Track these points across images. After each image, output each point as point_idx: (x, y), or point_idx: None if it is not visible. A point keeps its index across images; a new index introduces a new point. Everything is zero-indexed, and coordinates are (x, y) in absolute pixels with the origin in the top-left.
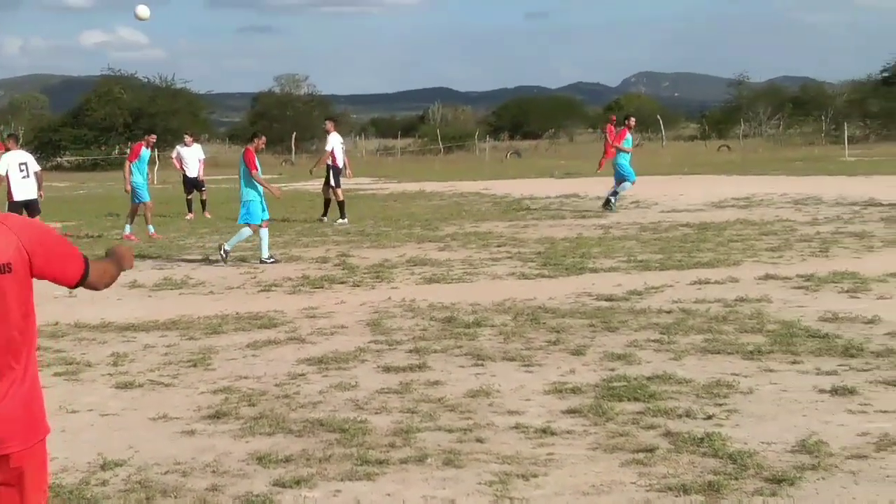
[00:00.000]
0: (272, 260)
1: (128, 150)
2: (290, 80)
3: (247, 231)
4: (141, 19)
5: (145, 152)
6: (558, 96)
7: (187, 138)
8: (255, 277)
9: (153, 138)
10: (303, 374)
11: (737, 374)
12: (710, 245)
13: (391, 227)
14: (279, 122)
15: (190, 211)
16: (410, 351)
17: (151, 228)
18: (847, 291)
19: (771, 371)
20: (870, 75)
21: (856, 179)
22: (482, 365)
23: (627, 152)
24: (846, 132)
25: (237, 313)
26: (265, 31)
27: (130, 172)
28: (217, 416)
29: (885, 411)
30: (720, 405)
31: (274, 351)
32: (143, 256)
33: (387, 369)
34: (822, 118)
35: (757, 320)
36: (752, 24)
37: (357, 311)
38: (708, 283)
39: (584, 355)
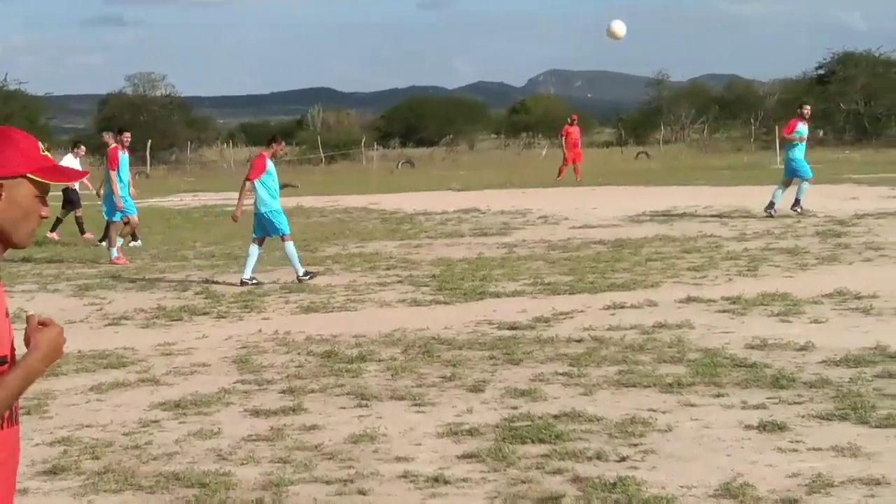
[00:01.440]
0: (255, 282)
1: None
2: (145, 79)
3: (291, 245)
4: (616, 38)
5: (123, 156)
6: (457, 98)
7: (81, 148)
8: (101, 309)
9: (128, 137)
10: (156, 421)
11: (654, 410)
12: (626, 265)
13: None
14: (131, 127)
15: (83, 231)
16: (283, 391)
17: (115, 252)
18: (777, 315)
19: (692, 406)
20: (804, 73)
21: (789, 190)
22: (366, 405)
23: (800, 141)
24: (778, 137)
25: (79, 351)
26: (115, 24)
27: (110, 182)
28: (54, 471)
29: (818, 449)
30: (635, 445)
31: (122, 394)
32: None
33: (256, 413)
34: (752, 121)
35: (677, 348)
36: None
37: (222, 347)
38: (623, 307)
39: (484, 392)
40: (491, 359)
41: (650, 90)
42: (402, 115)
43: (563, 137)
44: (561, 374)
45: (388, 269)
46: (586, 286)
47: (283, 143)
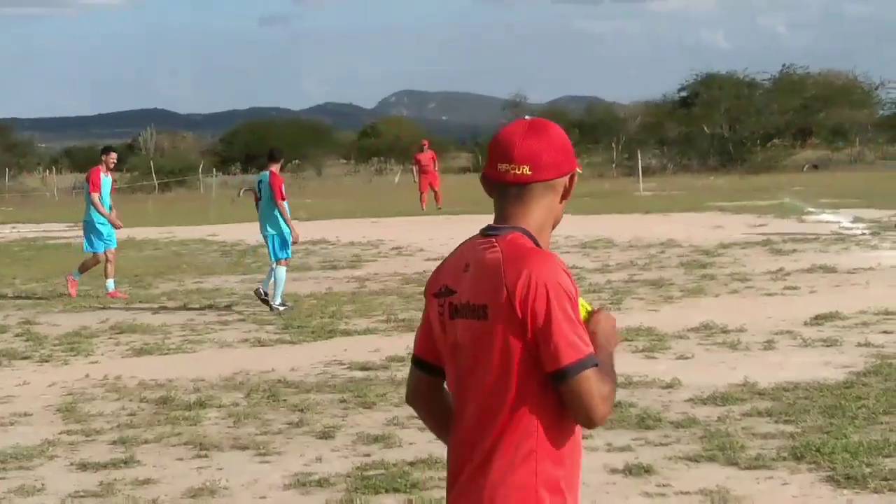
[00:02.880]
0: (285, 307)
1: None
2: None
3: (282, 271)
4: None
5: (106, 179)
6: (302, 120)
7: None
8: None
9: (113, 158)
10: None
11: None
12: None
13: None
14: None
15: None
16: (114, 442)
17: (112, 284)
18: (642, 351)
19: None
20: (665, 95)
21: (652, 218)
22: (206, 456)
23: None
24: (640, 162)
25: None
26: None
27: (93, 208)
28: None
29: (685, 492)
30: None
31: None
32: None
33: (83, 466)
34: (613, 145)
35: None
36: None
37: (45, 394)
38: None
39: (334, 438)
40: (342, 402)
41: (507, 113)
42: (243, 138)
43: (415, 165)
44: (417, 417)
45: (228, 306)
46: None
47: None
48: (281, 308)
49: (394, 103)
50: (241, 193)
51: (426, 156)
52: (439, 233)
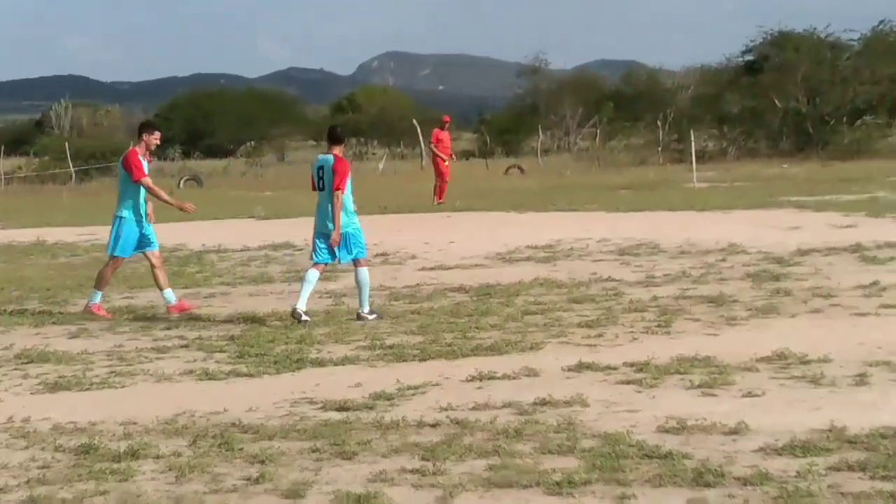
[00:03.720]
0: (374, 316)
1: None
2: None
3: (365, 273)
4: None
5: (146, 165)
6: (260, 90)
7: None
8: None
9: (157, 138)
10: None
11: None
12: (496, 319)
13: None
14: None
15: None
16: (22, 502)
17: (172, 295)
18: (699, 387)
19: None
20: (727, 58)
21: (709, 216)
22: None
23: None
24: (693, 145)
25: None
26: None
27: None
28: None
29: None
30: None
31: None
32: None
33: None
34: (659, 123)
35: (567, 434)
36: None
37: None
38: (493, 377)
39: (304, 498)
40: (314, 452)
41: (523, 81)
42: (185, 113)
43: (435, 145)
44: (410, 471)
45: (167, 328)
46: (443, 350)
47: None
48: (371, 317)
49: (377, 69)
50: (181, 184)
51: (448, 136)
52: (437, 235)
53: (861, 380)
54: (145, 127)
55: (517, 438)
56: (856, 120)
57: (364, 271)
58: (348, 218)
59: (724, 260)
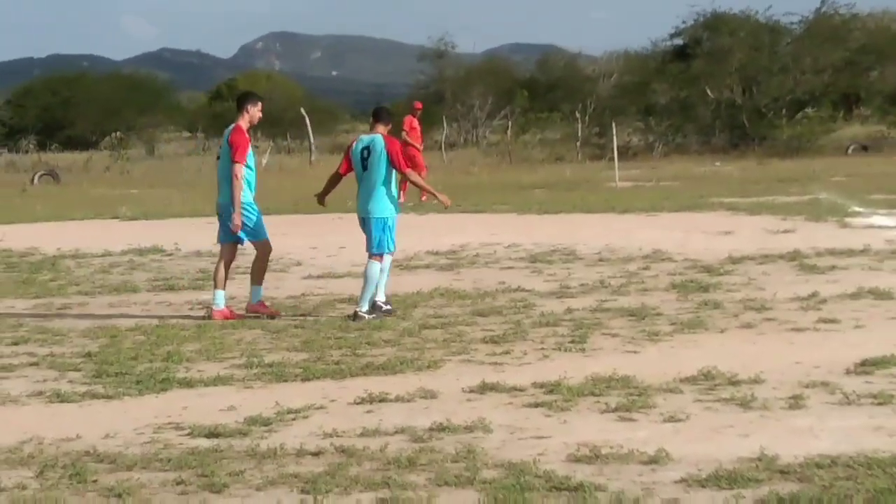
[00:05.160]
0: (388, 307)
1: None
2: None
3: (382, 265)
4: None
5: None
6: (127, 74)
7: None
8: None
9: (260, 110)
10: None
11: None
12: (390, 334)
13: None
14: None
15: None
16: None
17: (261, 293)
18: (615, 410)
19: None
20: (654, 42)
21: (632, 219)
22: None
23: None
24: (616, 139)
25: None
26: None
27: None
28: None
29: None
30: None
31: None
32: None
33: None
34: (578, 115)
35: (466, 463)
36: None
37: None
38: (385, 400)
39: None
40: (178, 484)
41: (426, 67)
42: (40, 99)
43: (407, 133)
44: None
45: (14, 343)
46: (329, 369)
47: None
48: (369, 317)
49: (261, 51)
50: (35, 180)
51: (419, 125)
52: (326, 239)
53: (796, 403)
54: (248, 98)
55: (410, 468)
56: (796, 113)
57: (375, 265)
58: (392, 205)
59: (647, 268)
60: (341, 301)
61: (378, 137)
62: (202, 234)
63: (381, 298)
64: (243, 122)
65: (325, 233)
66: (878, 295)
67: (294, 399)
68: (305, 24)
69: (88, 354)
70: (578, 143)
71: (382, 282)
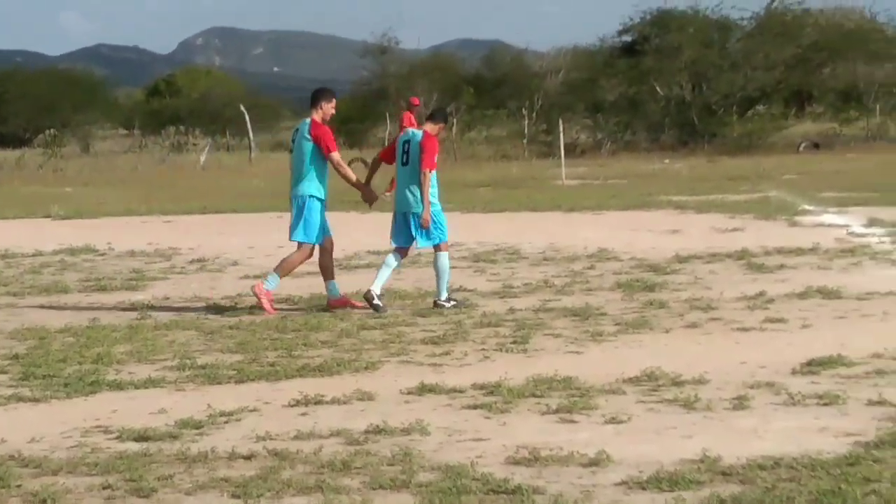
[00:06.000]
0: (452, 303)
1: None
2: None
3: (445, 258)
4: None
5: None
6: (61, 70)
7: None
8: None
9: (332, 107)
10: None
11: None
12: (328, 335)
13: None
14: None
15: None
16: None
17: (337, 288)
18: (556, 411)
19: None
20: (601, 39)
21: (578, 218)
22: None
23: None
24: (563, 136)
25: None
26: None
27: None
28: None
29: None
30: None
31: None
32: None
33: None
34: (525, 112)
35: (402, 466)
36: None
37: None
38: (321, 402)
39: None
40: (105, 489)
41: (369, 62)
42: None
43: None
44: None
45: None
46: (264, 371)
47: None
48: (448, 305)
49: (201, 47)
50: None
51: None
52: (264, 238)
53: (740, 403)
54: (323, 94)
55: (344, 472)
56: (747, 110)
57: (443, 255)
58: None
59: (592, 268)
60: (278, 301)
61: (419, 132)
62: (136, 233)
63: (376, 290)
64: (317, 117)
65: (263, 232)
66: (826, 294)
67: (227, 401)
68: (247, 20)
69: (16, 357)
70: (525, 141)
71: (385, 275)
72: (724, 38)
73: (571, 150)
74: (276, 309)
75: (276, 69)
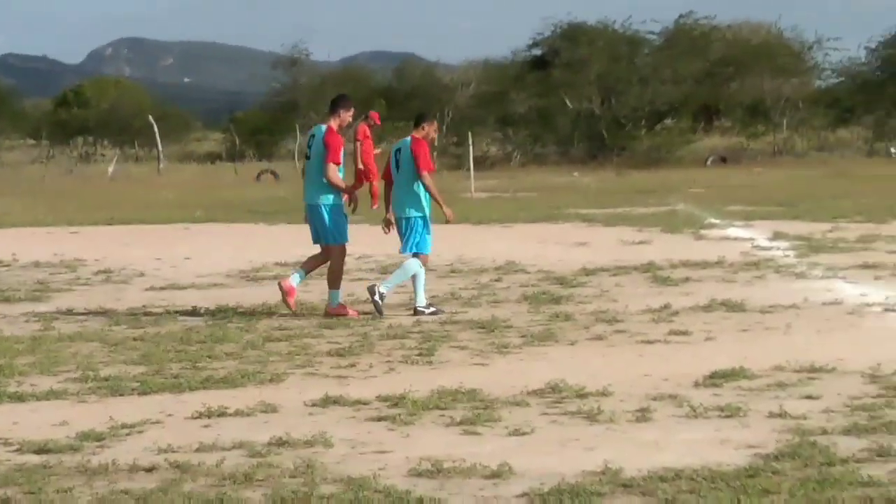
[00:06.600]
0: (432, 310)
1: None
2: None
3: (415, 265)
4: None
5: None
6: None
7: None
8: None
9: (350, 115)
10: None
11: None
12: (233, 347)
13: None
14: None
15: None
16: None
17: (339, 296)
18: (460, 423)
19: None
20: (514, 52)
21: (486, 230)
22: None
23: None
24: (472, 149)
25: None
26: None
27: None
28: None
29: None
30: None
31: None
32: None
33: None
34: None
35: (304, 478)
36: None
37: None
38: (224, 414)
39: None
40: (4, 502)
41: (279, 74)
42: None
43: (360, 143)
44: None
45: None
46: (167, 383)
47: (436, 124)
48: (428, 311)
49: (111, 57)
50: None
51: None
52: (171, 250)
53: (643, 416)
54: (341, 101)
55: (246, 484)
56: (656, 124)
57: (416, 262)
58: (426, 204)
59: (499, 280)
60: (184, 313)
61: (408, 139)
62: (42, 244)
63: (422, 303)
64: (334, 124)
65: (170, 243)
66: (731, 307)
67: (129, 413)
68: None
69: None
70: (435, 153)
71: (396, 280)
72: (633, 52)
73: (481, 162)
74: (356, 311)
75: (185, 80)
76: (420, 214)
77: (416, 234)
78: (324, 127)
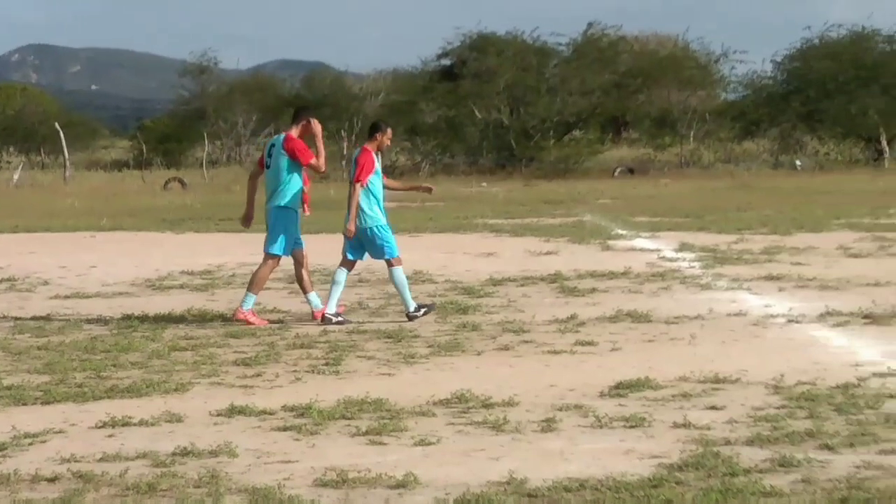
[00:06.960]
0: (423, 310)
1: None
2: None
3: (400, 271)
4: None
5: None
6: None
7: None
8: None
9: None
10: None
11: None
12: (138, 356)
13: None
14: None
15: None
16: None
17: (317, 300)
18: (366, 433)
19: None
20: (423, 62)
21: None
22: None
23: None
24: (381, 158)
25: None
26: None
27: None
28: None
29: None
30: None
31: None
32: None
33: None
34: (344, 134)
35: (208, 488)
36: None
37: None
38: (129, 424)
39: None
40: None
41: (188, 81)
42: None
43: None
44: None
45: None
46: (71, 392)
47: (390, 131)
48: (420, 313)
49: (17, 64)
50: None
51: None
52: (76, 258)
53: (548, 426)
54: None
55: (149, 494)
56: (564, 135)
57: (397, 270)
58: (380, 214)
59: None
60: (89, 322)
61: (357, 150)
62: None
63: (332, 310)
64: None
65: (75, 252)
66: (636, 318)
67: (32, 423)
68: (64, 37)
69: None
70: (343, 163)
71: (340, 290)
72: (542, 63)
73: (390, 171)
74: (266, 320)
75: (93, 87)
76: (373, 224)
77: (380, 239)
78: (282, 136)
